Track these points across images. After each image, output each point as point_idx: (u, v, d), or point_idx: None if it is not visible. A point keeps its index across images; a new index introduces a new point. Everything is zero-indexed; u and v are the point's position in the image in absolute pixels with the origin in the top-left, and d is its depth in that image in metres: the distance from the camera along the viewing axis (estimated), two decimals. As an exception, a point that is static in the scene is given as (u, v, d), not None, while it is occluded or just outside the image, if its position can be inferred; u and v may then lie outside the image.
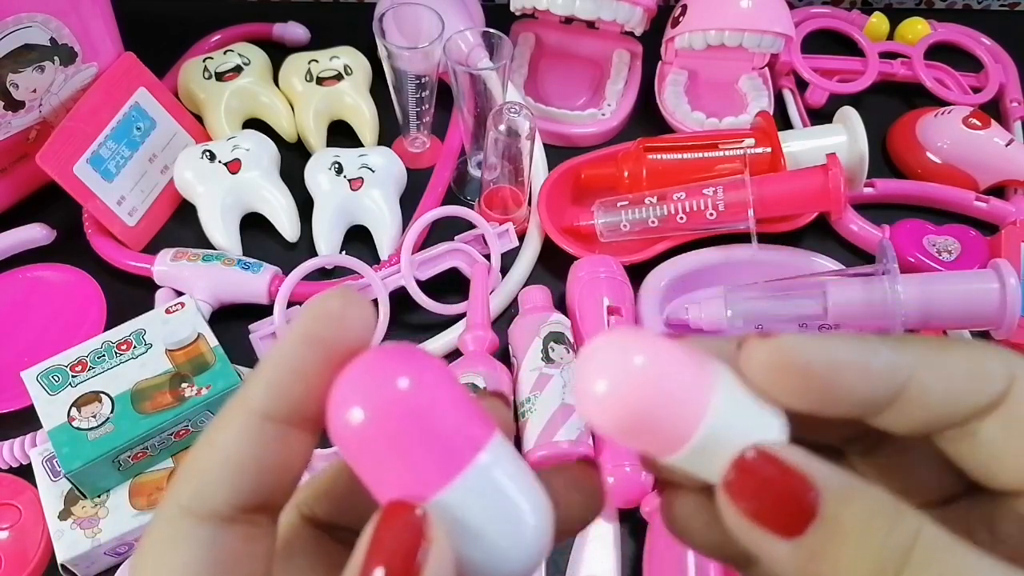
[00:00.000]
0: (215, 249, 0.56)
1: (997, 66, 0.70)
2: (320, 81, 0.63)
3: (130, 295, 0.54)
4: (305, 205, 0.57)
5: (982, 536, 0.18)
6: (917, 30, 0.72)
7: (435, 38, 0.54)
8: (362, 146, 0.62)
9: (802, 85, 0.68)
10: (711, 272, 0.55)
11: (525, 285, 0.55)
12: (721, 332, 0.52)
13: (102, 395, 0.44)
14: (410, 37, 0.56)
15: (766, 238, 0.56)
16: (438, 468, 0.16)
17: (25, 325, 0.52)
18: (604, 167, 0.59)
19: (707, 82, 0.67)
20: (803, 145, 0.58)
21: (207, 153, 0.56)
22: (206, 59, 0.63)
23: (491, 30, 0.57)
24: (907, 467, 0.19)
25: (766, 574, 0.20)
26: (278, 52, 0.66)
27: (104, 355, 0.45)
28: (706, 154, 0.57)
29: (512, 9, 0.66)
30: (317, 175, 0.57)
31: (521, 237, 0.57)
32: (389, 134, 0.63)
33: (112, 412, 0.43)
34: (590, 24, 0.67)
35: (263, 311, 0.52)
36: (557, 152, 0.62)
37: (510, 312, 0.55)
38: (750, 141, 0.57)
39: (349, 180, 0.56)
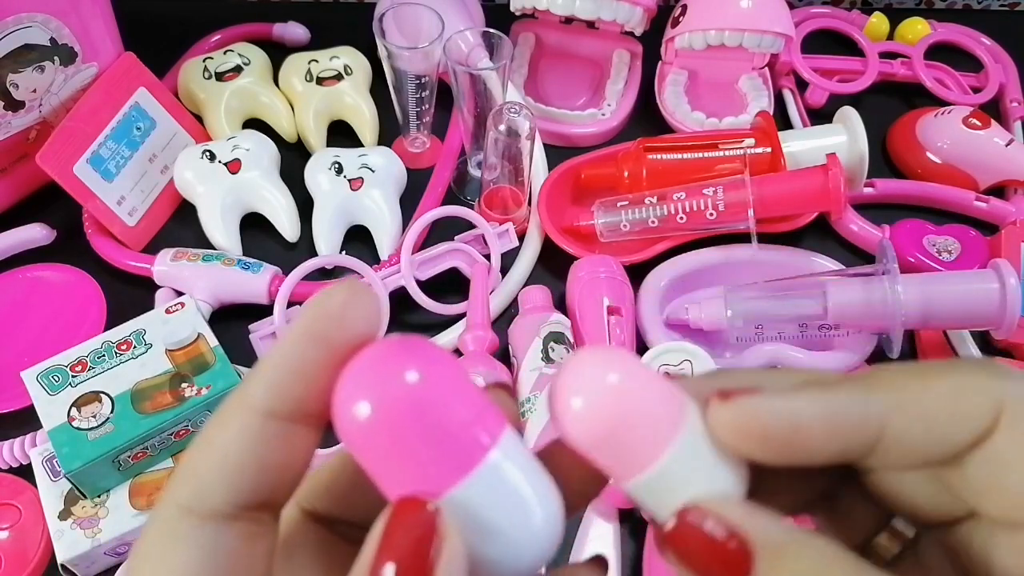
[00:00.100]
0: (215, 249, 0.56)
1: (997, 66, 0.70)
2: (320, 81, 0.63)
3: (130, 295, 0.54)
4: (305, 205, 0.57)
5: (981, 564, 0.18)
6: (917, 30, 0.72)
7: (435, 38, 0.54)
8: (362, 146, 0.62)
9: (802, 85, 0.68)
10: (711, 272, 0.55)
11: (525, 285, 0.55)
12: (721, 332, 0.52)
13: (102, 395, 0.44)
14: (410, 37, 0.56)
15: (766, 238, 0.56)
16: (450, 464, 0.16)
17: (25, 325, 0.52)
18: (604, 167, 0.59)
19: (707, 82, 0.67)
20: (803, 145, 0.58)
21: (207, 153, 0.56)
22: (206, 59, 0.63)
23: (491, 30, 0.57)
24: (911, 486, 0.19)
25: None
26: (278, 52, 0.66)
27: (104, 355, 0.45)
28: (706, 154, 0.57)
29: (512, 9, 0.66)
30: (317, 175, 0.57)
31: (521, 237, 0.57)
32: (389, 134, 0.63)
33: (112, 412, 0.43)
34: (590, 24, 0.67)
35: (263, 311, 0.52)
36: (557, 152, 0.62)
37: (510, 312, 0.55)
38: (750, 141, 0.57)
39: (349, 180, 0.56)
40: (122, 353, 0.45)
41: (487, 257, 0.54)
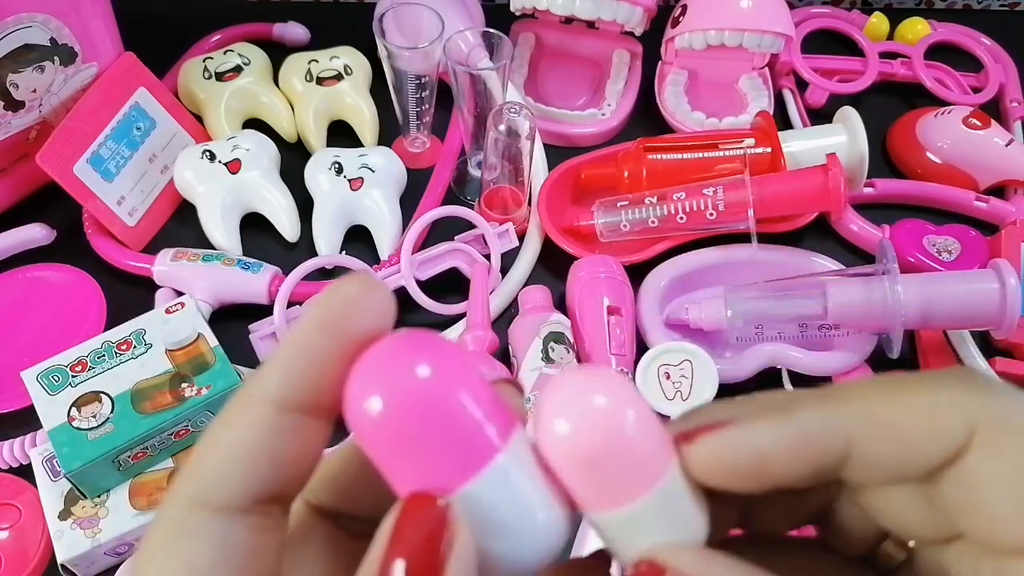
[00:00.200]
0: (215, 249, 0.56)
1: (997, 66, 0.70)
2: (320, 81, 0.63)
3: (130, 295, 0.54)
4: (305, 205, 0.57)
5: None
6: (917, 30, 0.72)
7: (435, 38, 0.54)
8: (362, 146, 0.62)
9: (802, 85, 0.68)
10: (711, 272, 0.55)
11: (525, 285, 0.55)
12: (721, 332, 0.52)
13: (102, 395, 0.44)
14: (410, 37, 0.56)
15: (766, 238, 0.56)
16: (461, 461, 0.16)
17: (25, 325, 0.52)
18: (604, 167, 0.59)
19: (707, 82, 0.67)
20: (803, 145, 0.58)
21: (207, 153, 0.56)
22: (206, 59, 0.63)
23: (491, 30, 0.57)
24: (900, 504, 0.19)
25: None
26: (278, 52, 0.66)
27: (104, 355, 0.45)
28: (706, 154, 0.57)
29: (512, 9, 0.66)
30: (317, 175, 0.57)
31: (521, 237, 0.57)
32: (389, 134, 0.63)
33: (112, 412, 0.43)
34: (590, 24, 0.67)
35: (263, 311, 0.52)
36: (557, 152, 0.62)
37: (510, 312, 0.55)
38: (750, 141, 0.57)
39: (349, 180, 0.56)
40: (122, 353, 0.45)
41: (487, 257, 0.54)
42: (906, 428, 0.17)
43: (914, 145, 0.64)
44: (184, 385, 0.44)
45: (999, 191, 0.62)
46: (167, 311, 0.48)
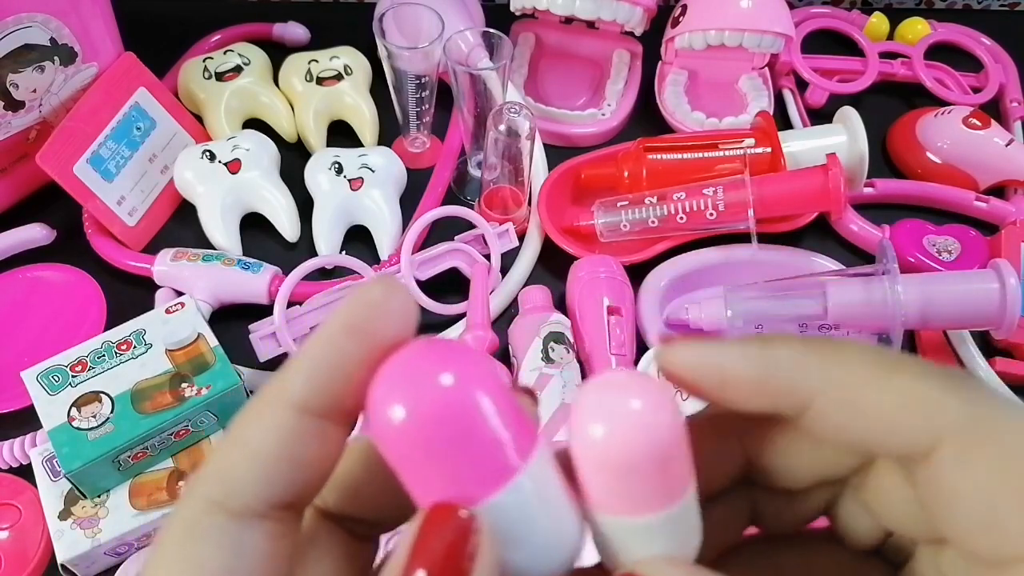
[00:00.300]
0: (215, 249, 0.56)
1: (997, 66, 0.70)
2: (320, 81, 0.63)
3: (130, 295, 0.54)
4: (305, 205, 0.57)
5: None
6: (917, 30, 0.72)
7: (435, 38, 0.54)
8: (362, 146, 0.62)
9: (802, 85, 0.68)
10: (711, 272, 0.55)
11: (525, 285, 0.55)
12: (721, 332, 0.52)
13: (102, 395, 0.44)
14: (410, 37, 0.56)
15: (766, 238, 0.56)
16: (487, 472, 0.16)
17: (25, 325, 0.52)
18: (604, 167, 0.59)
19: (707, 82, 0.67)
20: (803, 145, 0.58)
21: (207, 153, 0.56)
22: (206, 59, 0.63)
23: (491, 30, 0.57)
24: (895, 503, 0.19)
25: None
26: (278, 52, 0.66)
27: (104, 355, 0.45)
28: (706, 154, 0.57)
29: (512, 9, 0.66)
30: (317, 175, 0.57)
31: (521, 237, 0.57)
32: (389, 134, 0.63)
33: (112, 412, 0.43)
34: (590, 24, 0.67)
35: (263, 311, 0.52)
36: (557, 152, 0.62)
37: (510, 312, 0.55)
38: (750, 141, 0.57)
39: (349, 180, 0.56)
40: (122, 353, 0.45)
41: (487, 257, 0.54)
42: (869, 413, 0.16)
43: (914, 145, 0.64)
44: (184, 385, 0.44)
45: (999, 191, 0.62)
46: (167, 311, 0.48)
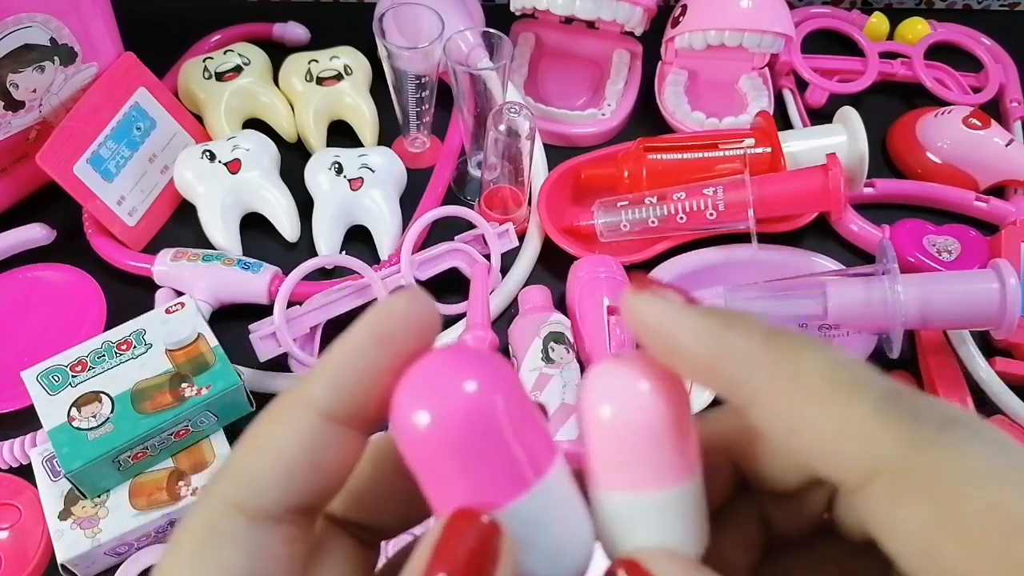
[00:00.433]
0: (215, 249, 0.56)
1: (997, 66, 0.70)
2: (320, 81, 0.63)
3: (130, 295, 0.54)
4: (305, 205, 0.57)
5: None
6: (917, 30, 0.72)
7: (435, 38, 0.54)
8: (362, 146, 0.62)
9: (802, 85, 0.68)
10: (711, 272, 0.55)
11: (525, 285, 0.55)
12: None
13: (102, 395, 0.44)
14: (410, 37, 0.56)
15: (766, 238, 0.56)
16: (509, 478, 0.16)
17: (25, 325, 0.52)
18: (604, 167, 0.59)
19: (707, 82, 0.67)
20: (803, 145, 0.58)
21: (207, 153, 0.56)
22: (206, 59, 0.63)
23: (491, 30, 0.57)
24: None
25: None
26: (278, 52, 0.66)
27: (104, 355, 0.45)
28: (706, 154, 0.57)
29: (512, 9, 0.66)
30: (317, 175, 0.57)
31: (521, 237, 0.57)
32: (389, 134, 0.63)
33: (112, 412, 0.43)
34: (590, 24, 0.67)
35: (263, 311, 0.52)
36: (557, 152, 0.62)
37: (510, 312, 0.55)
38: (750, 141, 0.57)
39: (349, 180, 0.56)
40: (122, 353, 0.45)
41: (487, 257, 0.54)
42: (805, 431, 0.16)
43: (914, 145, 0.64)
44: (184, 385, 0.44)
45: (999, 191, 0.62)
46: (167, 311, 0.48)
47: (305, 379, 0.17)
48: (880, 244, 0.51)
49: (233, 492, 0.16)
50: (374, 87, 0.64)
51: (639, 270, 0.55)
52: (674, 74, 0.66)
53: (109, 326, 0.49)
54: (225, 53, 0.64)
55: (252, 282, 0.52)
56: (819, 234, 0.59)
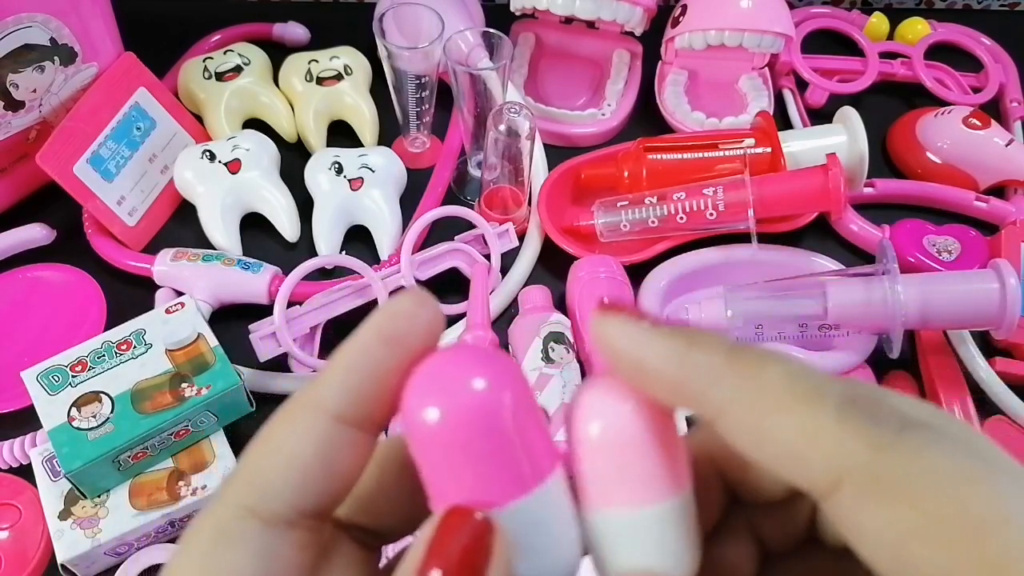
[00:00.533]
0: (215, 249, 0.56)
1: (997, 66, 0.70)
2: (320, 81, 0.63)
3: (130, 295, 0.54)
4: (305, 205, 0.57)
5: None
6: (917, 30, 0.72)
7: (435, 38, 0.54)
8: (362, 146, 0.62)
9: (802, 85, 0.68)
10: (711, 272, 0.55)
11: (525, 285, 0.55)
12: (721, 332, 0.52)
13: (102, 395, 0.44)
14: (410, 37, 0.56)
15: (766, 238, 0.56)
16: (512, 479, 0.16)
17: (25, 325, 0.52)
18: (604, 167, 0.59)
19: (707, 82, 0.67)
20: (803, 145, 0.58)
21: (207, 153, 0.56)
22: (206, 59, 0.63)
23: (491, 30, 0.57)
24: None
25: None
26: (278, 52, 0.66)
27: (104, 355, 0.45)
28: (706, 154, 0.57)
29: (512, 9, 0.66)
30: (317, 175, 0.57)
31: (521, 237, 0.57)
32: (389, 134, 0.63)
33: (112, 412, 0.43)
34: (590, 24, 0.67)
35: (263, 311, 0.52)
36: (557, 152, 0.62)
37: (510, 312, 0.55)
38: (750, 141, 0.57)
39: (349, 180, 0.56)
40: (122, 353, 0.45)
41: (487, 257, 0.54)
42: (772, 440, 0.16)
43: (914, 145, 0.64)
44: (184, 385, 0.44)
45: (999, 191, 0.62)
46: (167, 311, 0.48)
47: (315, 382, 0.17)
48: (880, 244, 0.51)
49: (246, 495, 0.16)
50: (374, 87, 0.64)
51: (639, 270, 0.55)
52: (674, 74, 0.66)
53: (109, 326, 0.49)
54: (225, 53, 0.64)
55: (252, 282, 0.52)
56: (819, 234, 0.59)
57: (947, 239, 0.57)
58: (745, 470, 0.19)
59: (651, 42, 0.68)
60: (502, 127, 0.53)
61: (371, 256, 0.57)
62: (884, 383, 0.52)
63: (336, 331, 0.52)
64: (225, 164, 0.56)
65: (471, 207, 0.57)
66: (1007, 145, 0.61)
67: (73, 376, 0.44)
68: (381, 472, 0.18)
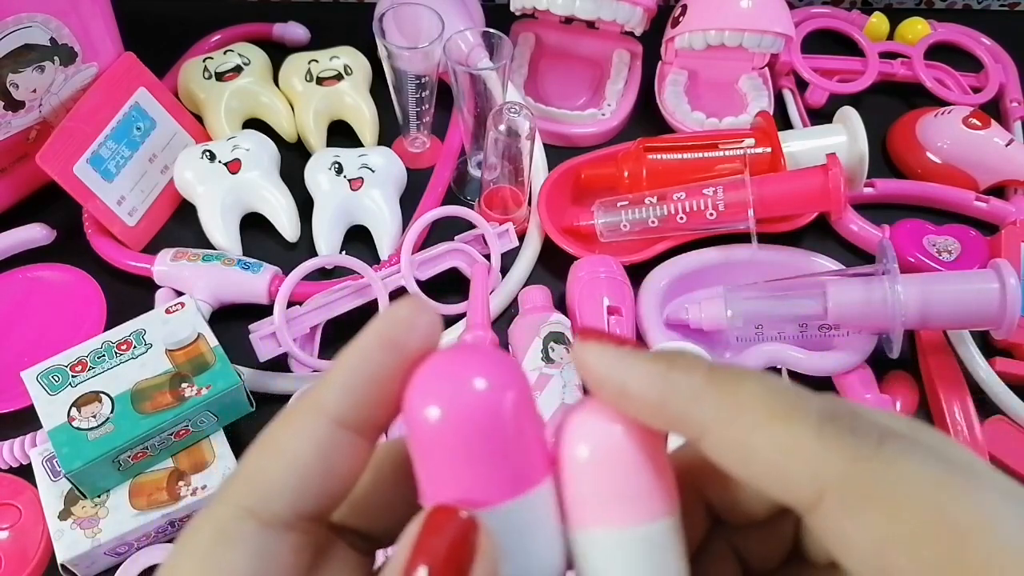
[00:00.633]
0: (215, 249, 0.56)
1: (997, 66, 0.70)
2: (320, 81, 0.63)
3: (130, 295, 0.54)
4: (305, 205, 0.57)
5: None
6: (917, 30, 0.72)
7: (435, 38, 0.54)
8: (362, 146, 0.62)
9: (802, 85, 0.68)
10: (711, 272, 0.55)
11: (525, 285, 0.55)
12: (721, 332, 0.52)
13: (102, 395, 0.44)
14: (410, 37, 0.56)
15: (766, 238, 0.56)
16: (505, 480, 0.16)
17: (25, 325, 0.52)
18: (604, 167, 0.59)
19: (707, 82, 0.67)
20: (803, 145, 0.58)
21: (207, 153, 0.56)
22: (206, 59, 0.63)
23: (491, 30, 0.57)
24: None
25: None
26: (278, 52, 0.66)
27: (104, 355, 0.45)
28: (706, 154, 0.57)
29: (512, 9, 0.66)
30: (317, 175, 0.57)
31: (521, 237, 0.57)
32: (389, 134, 0.63)
33: (112, 412, 0.43)
34: (590, 24, 0.67)
35: (263, 311, 0.52)
36: (557, 152, 0.62)
37: (510, 312, 0.55)
38: (750, 141, 0.57)
39: (349, 180, 0.56)
40: (122, 353, 0.45)
41: (487, 257, 0.54)
42: (755, 457, 0.16)
43: (914, 145, 0.64)
44: (184, 385, 0.44)
45: (999, 191, 0.62)
46: (167, 311, 0.48)
47: (316, 386, 0.17)
48: (880, 244, 0.51)
49: (245, 496, 0.16)
50: (374, 87, 0.64)
51: (639, 270, 0.55)
52: (674, 74, 0.66)
53: (109, 326, 0.49)
54: (225, 53, 0.64)
55: (252, 282, 0.52)
56: (819, 234, 0.59)
57: (947, 239, 0.57)
58: (727, 491, 0.19)
59: (651, 42, 0.68)
60: (502, 127, 0.53)
61: (371, 256, 0.57)
62: (884, 383, 0.52)
63: (336, 331, 0.52)
64: (225, 164, 0.56)
65: (471, 207, 0.57)
66: (1007, 145, 0.61)
67: (73, 376, 0.44)
68: (377, 476, 0.19)
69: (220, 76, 0.62)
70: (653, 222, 0.55)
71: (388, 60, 0.57)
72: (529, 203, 0.58)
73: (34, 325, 0.52)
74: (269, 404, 0.48)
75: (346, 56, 0.64)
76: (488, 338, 0.50)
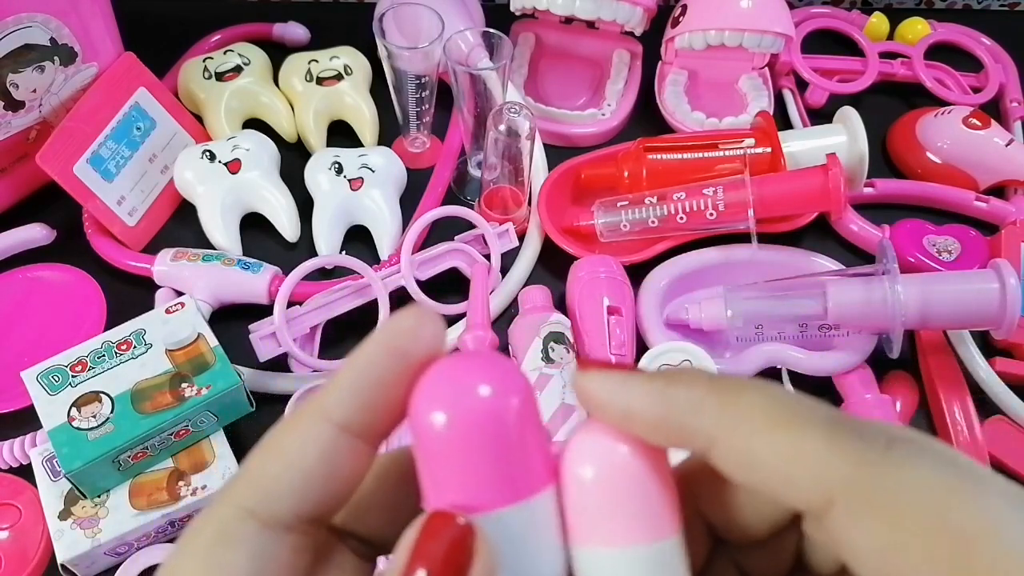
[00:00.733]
0: (215, 249, 0.56)
1: (997, 66, 0.70)
2: (320, 81, 0.63)
3: (130, 295, 0.54)
4: (305, 205, 0.57)
5: None
6: (917, 30, 0.72)
7: (435, 38, 0.54)
8: (362, 146, 0.62)
9: (802, 85, 0.68)
10: (711, 272, 0.55)
11: (525, 285, 0.55)
12: (721, 332, 0.52)
13: (102, 395, 0.44)
14: (410, 37, 0.56)
15: (766, 238, 0.56)
16: (507, 486, 0.16)
17: (25, 325, 0.52)
18: (604, 167, 0.59)
19: (707, 82, 0.67)
20: (803, 145, 0.58)
21: (207, 153, 0.56)
22: (206, 59, 0.63)
23: (491, 30, 0.57)
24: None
25: None
26: (278, 52, 0.66)
27: (104, 355, 0.45)
28: (706, 154, 0.57)
29: (512, 9, 0.66)
30: (317, 175, 0.57)
31: (521, 237, 0.57)
32: (389, 134, 0.63)
33: (112, 412, 0.43)
34: (590, 24, 0.67)
35: (263, 311, 0.52)
36: (557, 152, 0.62)
37: (510, 312, 0.55)
38: (750, 141, 0.57)
39: (349, 180, 0.56)
40: (122, 353, 0.45)
41: (487, 257, 0.54)
42: (763, 464, 0.16)
43: (914, 145, 0.64)
44: (184, 385, 0.44)
45: (999, 191, 0.62)
46: (167, 311, 0.48)
47: (321, 392, 0.17)
48: (880, 244, 0.51)
49: (247, 497, 0.16)
50: (374, 87, 0.64)
51: (639, 270, 0.55)
52: (674, 74, 0.66)
53: (109, 326, 0.49)
54: (225, 53, 0.64)
55: (252, 282, 0.52)
56: (819, 234, 0.59)
57: (947, 239, 0.57)
58: (726, 510, 0.19)
59: (651, 42, 0.68)
60: (502, 127, 0.53)
61: (371, 256, 0.57)
62: (884, 383, 0.52)
63: (336, 331, 0.52)
64: (225, 164, 0.56)
65: (471, 207, 0.57)
66: (1007, 145, 0.61)
67: (73, 376, 0.44)
68: (380, 483, 0.19)
69: (220, 76, 0.62)
70: (653, 222, 0.55)
71: (388, 60, 0.57)
72: (529, 203, 0.58)
73: (34, 325, 0.52)
74: (269, 404, 0.48)
75: (346, 56, 0.64)
76: (488, 338, 0.50)
